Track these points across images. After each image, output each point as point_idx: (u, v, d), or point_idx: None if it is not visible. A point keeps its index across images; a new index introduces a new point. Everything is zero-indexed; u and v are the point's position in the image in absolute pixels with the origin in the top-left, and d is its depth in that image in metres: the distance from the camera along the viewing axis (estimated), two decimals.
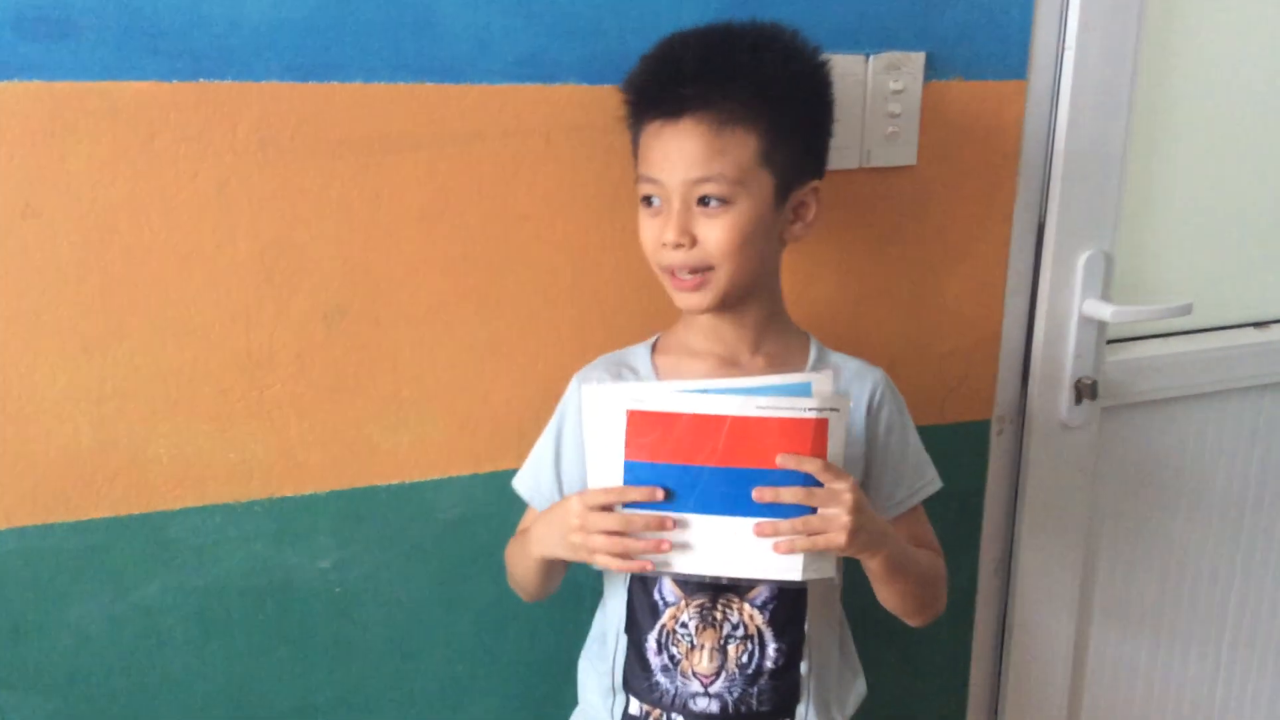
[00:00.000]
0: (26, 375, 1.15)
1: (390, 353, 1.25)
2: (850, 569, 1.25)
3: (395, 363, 1.26)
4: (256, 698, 1.31)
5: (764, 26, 1.13)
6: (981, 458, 1.57)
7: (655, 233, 1.11)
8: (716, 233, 1.08)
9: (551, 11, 1.20)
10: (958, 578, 1.60)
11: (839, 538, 1.02)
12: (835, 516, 1.01)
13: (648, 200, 1.11)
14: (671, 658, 1.15)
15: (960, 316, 1.48)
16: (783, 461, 1.00)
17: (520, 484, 1.23)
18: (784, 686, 1.16)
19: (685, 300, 1.12)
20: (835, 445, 1.01)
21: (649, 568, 1.04)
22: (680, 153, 1.07)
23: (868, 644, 1.34)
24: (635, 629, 1.17)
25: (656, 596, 1.15)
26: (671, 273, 1.11)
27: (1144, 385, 1.63)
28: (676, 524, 1.02)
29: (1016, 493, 1.61)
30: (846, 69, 1.31)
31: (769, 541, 1.02)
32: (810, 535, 1.02)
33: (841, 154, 1.34)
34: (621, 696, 1.19)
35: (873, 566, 1.11)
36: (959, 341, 1.49)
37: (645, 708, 1.17)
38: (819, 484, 1.01)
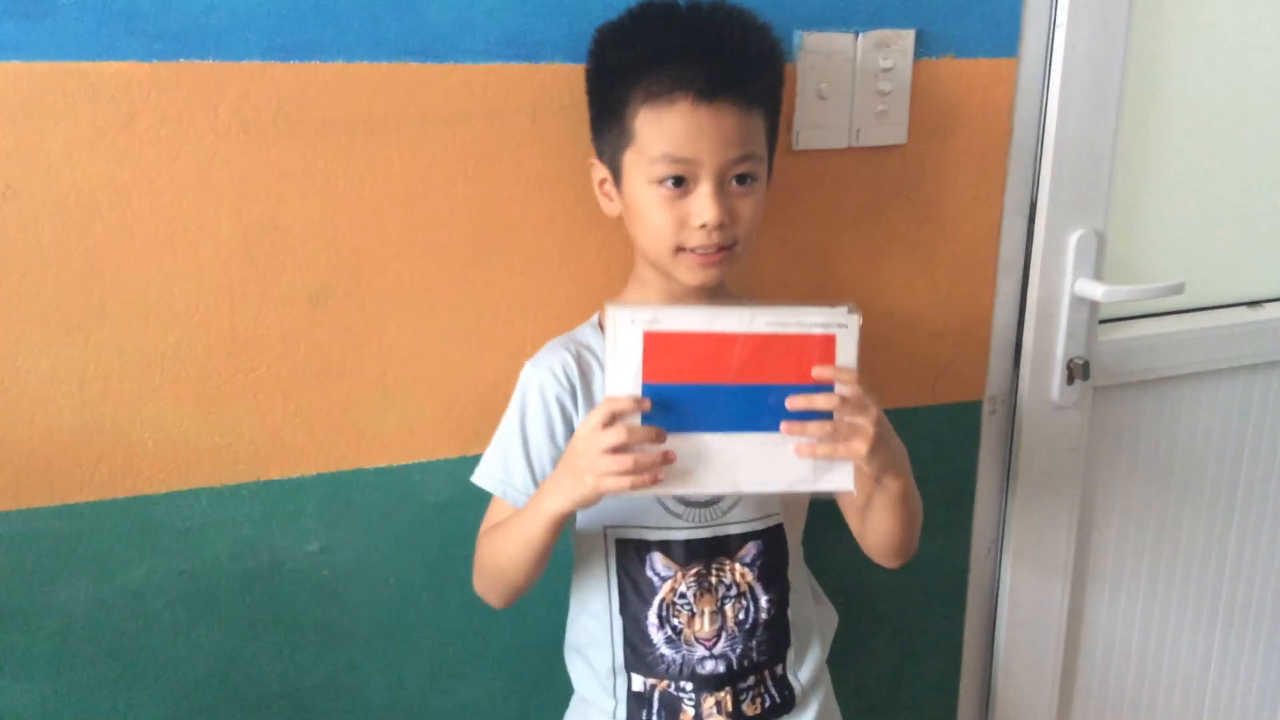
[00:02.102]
0: (8, 359, 1.14)
1: (376, 335, 1.24)
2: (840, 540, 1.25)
3: (381, 345, 1.25)
4: (244, 681, 1.30)
5: (737, 7, 1.12)
6: (973, 438, 1.57)
7: (682, 213, 1.09)
8: (746, 210, 1.10)
9: None
10: (950, 558, 1.60)
11: (861, 447, 1.03)
12: (861, 427, 1.03)
13: (673, 180, 1.08)
14: (674, 629, 1.17)
15: (951, 297, 1.48)
16: (818, 374, 1.02)
17: (485, 479, 1.20)
18: (776, 634, 1.21)
19: (703, 275, 1.11)
20: (847, 361, 1.03)
21: (659, 479, 1.01)
22: (720, 132, 1.07)
23: (859, 625, 1.34)
24: (630, 608, 1.18)
25: (650, 573, 1.16)
26: (690, 250, 1.10)
27: (1136, 365, 1.63)
28: (666, 441, 1.02)
29: (1008, 473, 1.60)
30: (835, 47, 1.30)
31: (784, 455, 1.03)
32: (834, 442, 1.03)
33: (830, 133, 1.33)
34: (623, 676, 1.20)
35: (890, 488, 1.11)
36: (950, 322, 1.49)
37: (650, 682, 1.19)
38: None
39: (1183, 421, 1.71)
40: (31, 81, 1.07)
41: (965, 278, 1.48)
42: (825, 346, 1.02)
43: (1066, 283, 1.51)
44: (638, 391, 1.01)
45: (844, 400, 1.02)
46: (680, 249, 1.10)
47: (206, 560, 1.25)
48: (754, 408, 1.03)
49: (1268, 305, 1.75)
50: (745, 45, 1.10)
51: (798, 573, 1.25)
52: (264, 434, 1.23)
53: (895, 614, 1.40)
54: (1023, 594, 1.65)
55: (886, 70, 1.33)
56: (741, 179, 1.10)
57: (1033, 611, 1.67)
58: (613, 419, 1.01)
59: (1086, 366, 1.54)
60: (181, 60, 1.11)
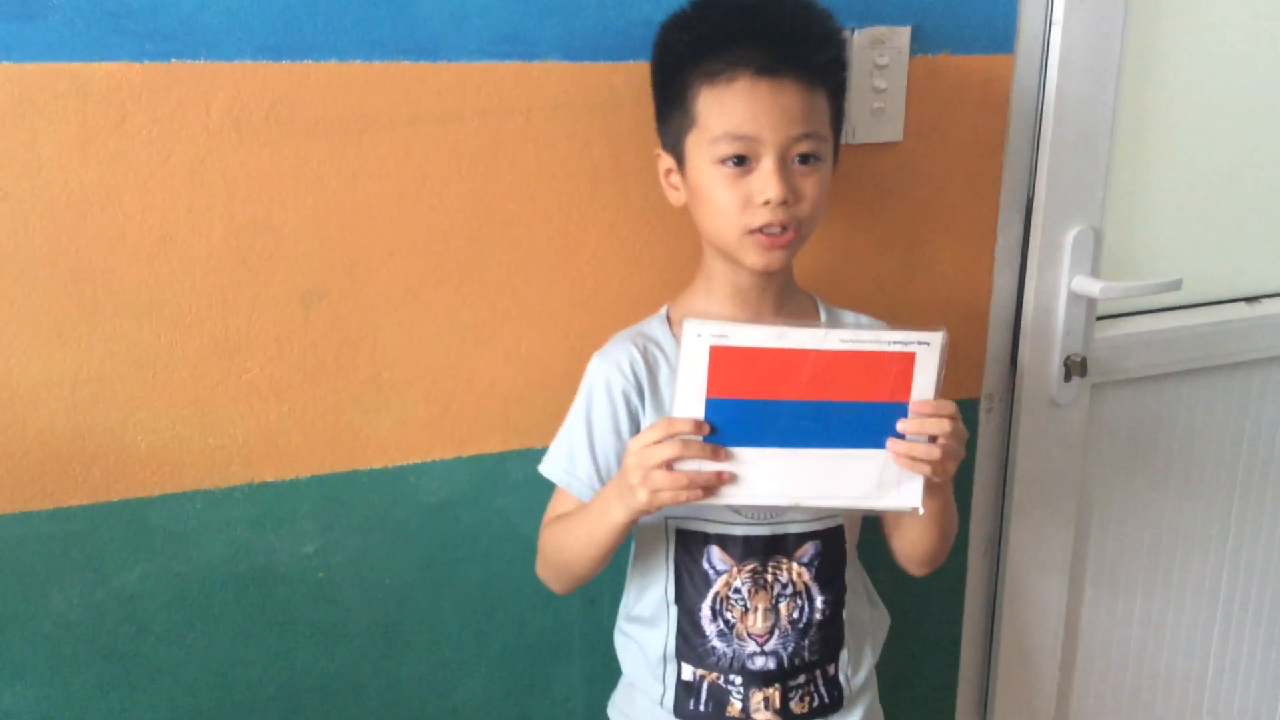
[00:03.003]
0: (0, 361, 1.13)
1: (370, 335, 1.24)
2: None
3: (375, 345, 1.24)
4: (240, 684, 1.30)
5: None
6: (970, 436, 1.54)
7: (745, 191, 1.08)
8: (810, 189, 1.10)
9: None
10: (947, 555, 1.59)
11: (953, 468, 1.05)
12: (958, 450, 1.04)
13: (736, 159, 1.08)
14: (727, 622, 1.17)
15: (948, 294, 1.47)
16: (917, 408, 1.01)
17: (551, 469, 1.20)
18: (830, 634, 1.21)
19: (768, 259, 1.11)
20: (927, 379, 1.01)
21: (721, 482, 1.02)
22: (782, 109, 1.07)
23: None
24: (686, 599, 1.19)
25: (706, 566, 1.17)
26: (757, 231, 1.09)
27: (1134, 361, 1.62)
28: (730, 456, 1.01)
29: (1006, 470, 1.60)
30: None
31: (848, 470, 1.03)
32: (931, 461, 1.02)
33: None
34: (674, 664, 1.21)
35: (937, 504, 1.12)
36: (947, 319, 1.48)
37: (700, 673, 1.19)
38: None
39: (1181, 418, 1.71)
40: (22, 83, 1.07)
41: (962, 275, 1.47)
42: (903, 365, 1.00)
43: (1063, 279, 1.50)
44: (701, 403, 1.00)
45: (953, 430, 1.03)
46: (746, 231, 1.10)
47: (200, 563, 1.25)
48: (822, 424, 1.01)
49: (1265, 301, 1.75)
50: (803, 23, 1.10)
51: (854, 574, 1.25)
52: (257, 436, 1.23)
53: (893, 613, 1.39)
54: (1021, 591, 1.65)
55: (882, 67, 1.33)
56: (804, 158, 1.09)
57: (1031, 609, 1.67)
58: (668, 438, 1.01)
59: (1084, 363, 1.53)
60: (173, 60, 1.10)
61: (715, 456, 1.01)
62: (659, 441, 1.00)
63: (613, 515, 1.07)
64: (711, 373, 0.98)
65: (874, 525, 1.27)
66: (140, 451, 1.20)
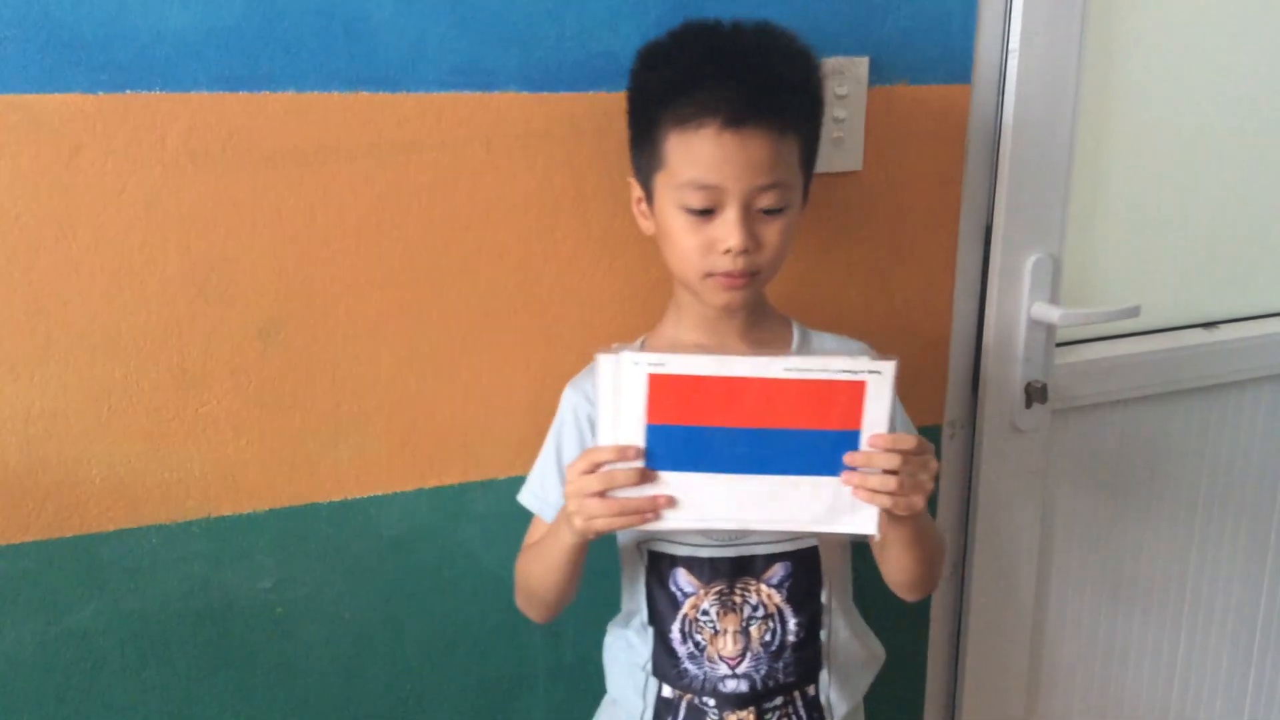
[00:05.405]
0: None
1: (329, 367, 1.23)
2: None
3: (334, 377, 1.23)
4: None
5: (779, 30, 1.12)
6: None
7: (708, 237, 1.08)
8: (773, 237, 1.10)
9: (487, 19, 1.18)
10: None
11: (920, 502, 1.02)
12: (923, 484, 1.02)
13: (700, 210, 1.07)
14: (697, 645, 1.17)
15: (909, 322, 1.48)
16: (874, 443, 1.00)
17: (526, 497, 1.22)
18: (806, 656, 1.19)
19: (727, 298, 1.12)
20: (880, 409, 1.00)
21: (651, 516, 1.01)
22: (747, 160, 1.06)
23: None
24: (658, 620, 1.19)
25: (674, 588, 1.17)
26: (715, 274, 1.10)
27: (1094, 387, 1.63)
28: (659, 481, 1.01)
29: (969, 496, 1.60)
30: None
31: (800, 495, 1.02)
32: (896, 496, 1.01)
33: None
34: (654, 682, 1.21)
35: (904, 529, 1.09)
36: (908, 347, 1.49)
37: (677, 692, 1.19)
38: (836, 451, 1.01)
39: (1142, 443, 1.72)
40: None
41: (922, 302, 1.48)
42: (852, 394, 0.99)
43: (1023, 306, 1.51)
44: (639, 431, 1.00)
45: (906, 458, 1.00)
46: (707, 274, 1.10)
47: (156, 599, 1.23)
48: (769, 450, 1.01)
49: (1223, 326, 1.77)
50: (775, 70, 1.09)
51: (838, 599, 1.23)
52: (214, 469, 1.21)
53: None
54: (985, 617, 1.65)
55: (841, 97, 1.33)
56: (768, 208, 1.09)
57: (996, 634, 1.67)
58: (594, 467, 1.01)
59: (1045, 389, 1.54)
60: (128, 92, 1.09)
61: (645, 481, 1.01)
62: (587, 472, 1.01)
63: (563, 538, 1.08)
64: (651, 399, 0.99)
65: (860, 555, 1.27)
66: (95, 486, 1.18)
